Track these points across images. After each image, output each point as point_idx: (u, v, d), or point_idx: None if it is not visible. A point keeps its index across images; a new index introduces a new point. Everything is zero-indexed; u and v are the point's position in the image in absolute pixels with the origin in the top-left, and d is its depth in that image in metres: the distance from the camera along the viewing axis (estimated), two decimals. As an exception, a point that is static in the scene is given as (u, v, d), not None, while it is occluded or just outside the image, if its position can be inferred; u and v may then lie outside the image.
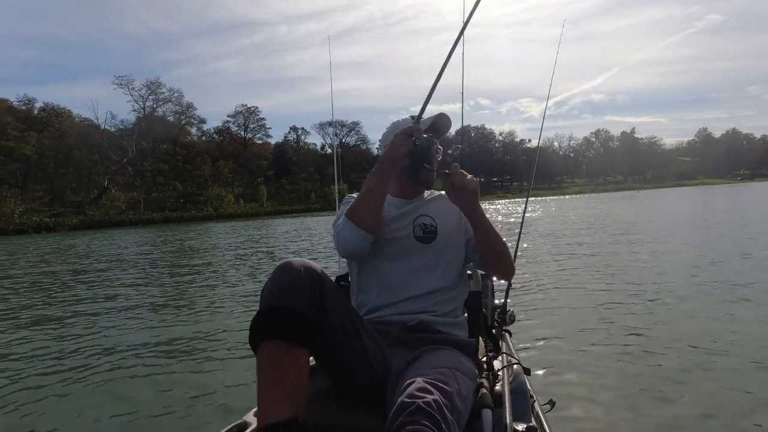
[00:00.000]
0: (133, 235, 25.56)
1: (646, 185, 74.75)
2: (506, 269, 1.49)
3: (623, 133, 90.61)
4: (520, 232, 2.71)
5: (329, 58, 3.08)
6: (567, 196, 55.49)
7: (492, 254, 1.43)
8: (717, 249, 7.70)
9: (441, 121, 1.51)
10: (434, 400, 0.95)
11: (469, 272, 1.87)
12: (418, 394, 0.96)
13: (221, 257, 11.62)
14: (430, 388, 0.98)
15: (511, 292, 2.46)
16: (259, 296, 1.10)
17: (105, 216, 43.67)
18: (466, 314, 1.51)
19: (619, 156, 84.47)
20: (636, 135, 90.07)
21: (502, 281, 2.38)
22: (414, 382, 1.01)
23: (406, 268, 1.41)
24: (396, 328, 1.34)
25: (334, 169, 3.09)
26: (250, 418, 1.36)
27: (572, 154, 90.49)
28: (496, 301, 2.19)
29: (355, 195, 1.57)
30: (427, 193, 1.59)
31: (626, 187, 72.59)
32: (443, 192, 1.55)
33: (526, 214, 2.85)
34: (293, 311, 1.04)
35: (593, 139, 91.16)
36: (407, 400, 0.95)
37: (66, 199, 46.79)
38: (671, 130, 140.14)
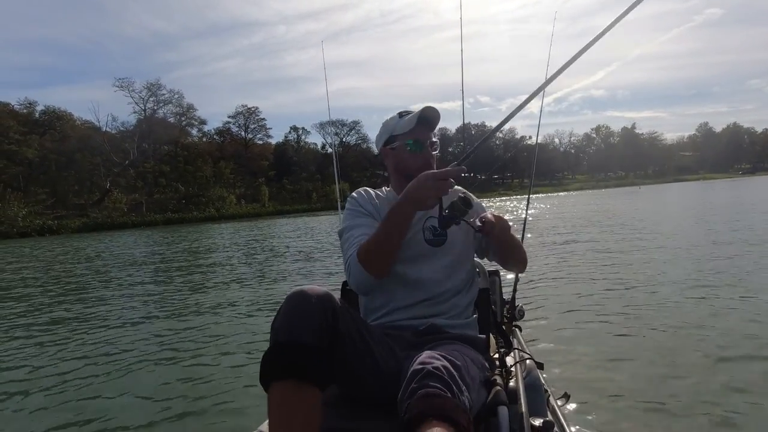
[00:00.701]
0: (138, 237, 25.65)
1: (648, 180, 74.65)
2: (523, 263, 1.50)
3: (624, 128, 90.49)
4: (524, 229, 2.74)
5: (323, 62, 3.04)
6: (567, 193, 55.45)
7: (511, 255, 1.44)
8: (718, 242, 7.75)
9: (430, 113, 1.44)
10: (443, 366, 0.97)
11: (476, 269, 1.93)
12: (428, 360, 0.99)
13: (230, 257, 11.69)
14: (439, 356, 1.01)
15: (519, 288, 2.49)
16: (270, 301, 1.09)
17: (107, 218, 43.83)
18: (476, 315, 1.50)
19: (620, 151, 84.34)
20: (637, 130, 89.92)
21: (510, 276, 2.38)
22: (423, 354, 1.04)
23: (416, 272, 1.38)
24: (407, 332, 1.32)
25: (335, 169, 3.04)
26: (265, 427, 1.31)
27: (573, 151, 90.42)
28: (505, 297, 2.20)
29: (356, 194, 1.55)
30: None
31: (627, 182, 72.50)
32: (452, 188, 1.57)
33: (528, 211, 2.89)
34: (303, 347, 1.00)
35: (594, 135, 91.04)
36: (417, 367, 0.97)
37: (68, 202, 46.96)
38: (672, 125, 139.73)
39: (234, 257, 11.59)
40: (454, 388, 0.94)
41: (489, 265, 1.88)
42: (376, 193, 1.55)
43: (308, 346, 1.00)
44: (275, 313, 1.07)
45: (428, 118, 1.44)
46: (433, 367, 0.95)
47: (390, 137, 1.49)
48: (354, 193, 1.54)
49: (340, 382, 1.20)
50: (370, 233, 1.33)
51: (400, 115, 1.50)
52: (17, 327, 5.35)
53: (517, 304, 2.29)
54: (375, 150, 1.60)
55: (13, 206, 39.71)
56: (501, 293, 2.12)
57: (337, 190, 2.88)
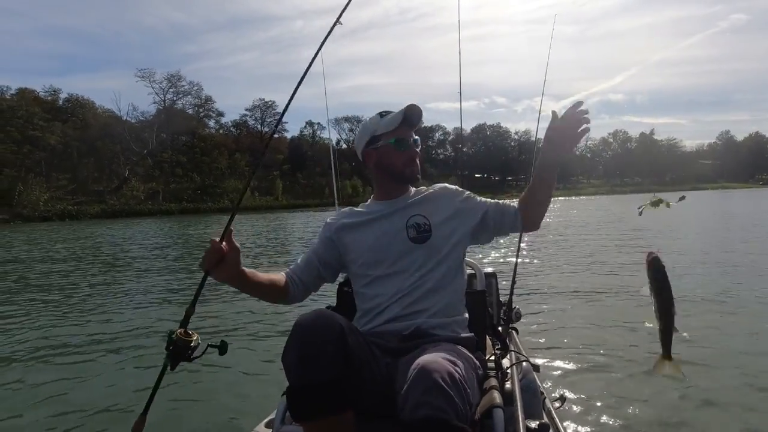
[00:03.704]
0: (157, 225, 26.14)
1: (664, 187, 73.48)
2: (541, 218, 1.46)
3: (642, 134, 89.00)
4: (521, 234, 2.85)
5: (322, 66, 3.01)
6: (579, 197, 54.80)
7: (541, 203, 1.42)
8: (726, 250, 7.78)
9: (415, 111, 1.46)
10: (448, 373, 0.97)
11: (472, 271, 1.94)
12: (431, 366, 0.98)
13: (251, 246, 11.99)
14: (441, 360, 1.01)
15: (515, 290, 2.50)
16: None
17: (125, 206, 44.76)
18: (466, 314, 1.48)
19: (637, 157, 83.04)
20: (655, 136, 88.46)
21: (506, 281, 2.43)
22: (424, 357, 1.04)
23: (401, 272, 1.39)
24: (393, 337, 1.33)
25: (333, 167, 2.99)
26: (262, 429, 1.36)
27: (589, 155, 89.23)
28: (502, 299, 2.22)
29: (329, 219, 1.57)
30: (413, 190, 1.55)
31: (643, 189, 71.37)
32: (433, 187, 1.56)
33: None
34: (322, 386, 1.02)
35: (611, 140, 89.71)
36: (421, 372, 0.98)
37: (88, 188, 47.97)
38: (692, 132, 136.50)
39: (257, 248, 11.90)
40: (458, 404, 0.95)
41: (486, 266, 1.95)
42: (352, 211, 1.57)
43: (327, 382, 1.02)
44: (285, 342, 1.08)
45: (412, 116, 1.46)
46: (441, 378, 0.95)
47: (372, 137, 1.48)
48: (329, 218, 1.58)
49: None
50: (307, 258, 1.50)
51: (381, 115, 1.49)
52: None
53: (514, 306, 2.28)
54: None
55: (35, 191, 40.78)
56: (498, 295, 2.14)
57: (335, 187, 2.87)
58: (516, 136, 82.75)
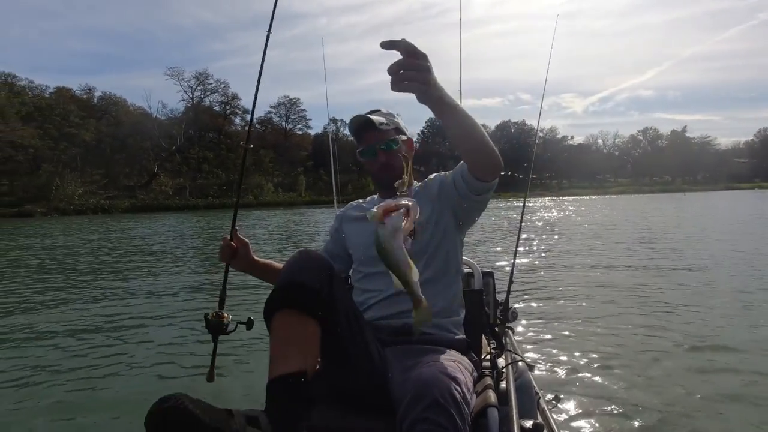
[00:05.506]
0: (186, 219, 26.78)
1: (696, 187, 70.93)
2: (491, 157, 1.20)
3: (673, 131, 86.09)
4: (519, 228, 2.76)
5: (323, 62, 3.06)
6: (602, 196, 53.45)
7: (469, 145, 1.16)
8: (726, 251, 7.59)
9: (355, 124, 1.47)
10: (448, 391, 0.97)
11: (469, 270, 1.97)
12: (431, 381, 0.98)
13: (274, 242, 12.37)
14: (440, 375, 1.00)
15: (512, 289, 2.50)
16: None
17: (153, 200, 46.24)
18: (462, 313, 1.47)
19: (668, 156, 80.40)
20: (687, 134, 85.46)
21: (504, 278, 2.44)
22: (423, 369, 1.04)
23: (385, 270, 1.44)
24: (383, 331, 1.33)
25: (331, 163, 2.99)
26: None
27: (617, 153, 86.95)
28: (498, 298, 2.23)
29: (338, 212, 1.62)
30: (417, 184, 1.53)
31: (674, 188, 69.07)
32: (426, 180, 1.54)
33: (552, 213, 2.95)
34: (305, 286, 1.06)
35: (640, 137, 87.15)
36: (420, 389, 0.97)
37: (119, 183, 49.77)
38: (727, 130, 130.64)
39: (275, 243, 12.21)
40: (458, 422, 0.94)
41: (483, 266, 1.99)
42: (358, 204, 1.62)
43: (308, 285, 1.06)
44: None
45: (356, 128, 1.47)
46: (441, 395, 0.95)
47: None
48: (338, 211, 1.63)
49: (335, 366, 1.20)
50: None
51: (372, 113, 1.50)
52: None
53: (510, 305, 2.29)
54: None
55: (70, 185, 42.59)
56: (494, 295, 2.15)
57: (334, 183, 2.84)
58: (541, 134, 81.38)
